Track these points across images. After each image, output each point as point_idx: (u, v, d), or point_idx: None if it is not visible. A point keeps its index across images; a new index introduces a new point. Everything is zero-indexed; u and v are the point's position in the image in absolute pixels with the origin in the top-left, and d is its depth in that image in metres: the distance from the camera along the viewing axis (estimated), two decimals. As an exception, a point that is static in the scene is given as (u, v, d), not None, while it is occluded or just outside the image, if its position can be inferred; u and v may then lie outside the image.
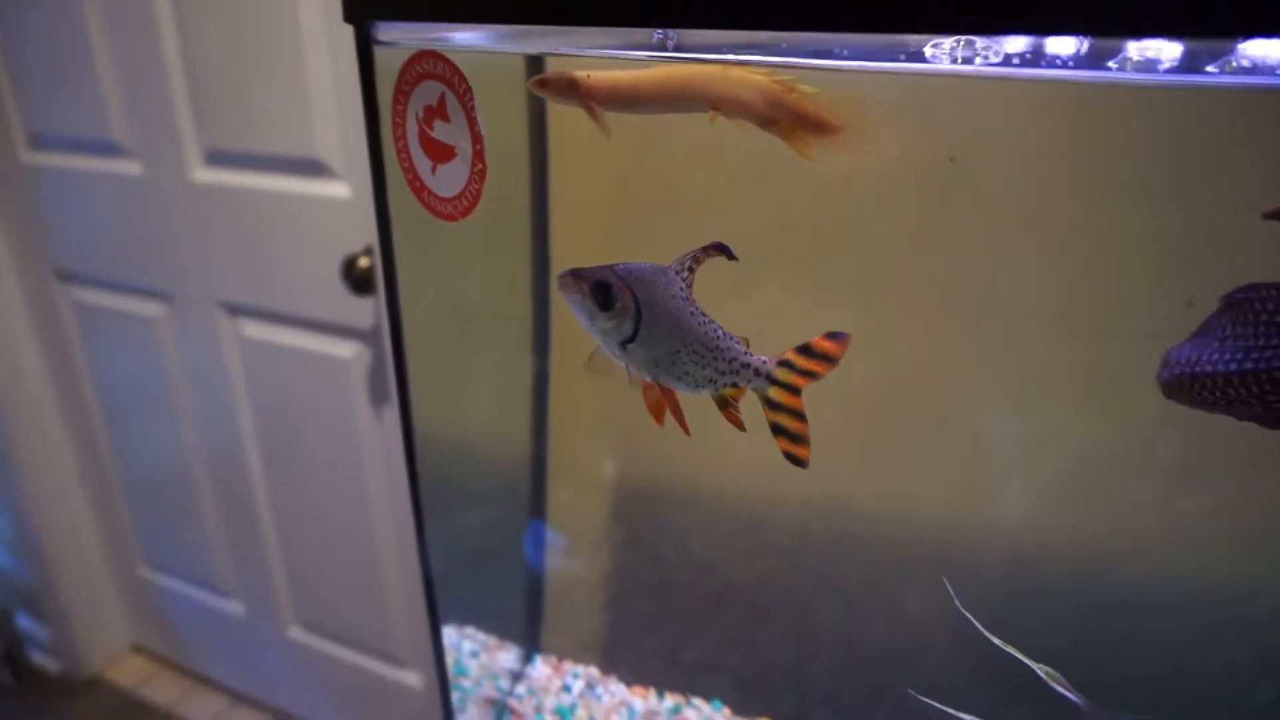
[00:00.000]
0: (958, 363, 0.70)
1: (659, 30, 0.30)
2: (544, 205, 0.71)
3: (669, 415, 0.39)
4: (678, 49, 0.33)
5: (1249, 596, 0.70)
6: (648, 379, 0.39)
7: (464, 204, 0.38)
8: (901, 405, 0.73)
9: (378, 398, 1.20)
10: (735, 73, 0.31)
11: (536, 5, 0.31)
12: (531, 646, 0.84)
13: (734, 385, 0.37)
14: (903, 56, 0.29)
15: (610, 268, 0.36)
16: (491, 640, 0.80)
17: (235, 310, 1.29)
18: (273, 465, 1.38)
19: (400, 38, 0.39)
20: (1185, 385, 0.35)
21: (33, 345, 1.53)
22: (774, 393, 0.37)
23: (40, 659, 1.73)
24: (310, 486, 1.34)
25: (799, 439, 0.37)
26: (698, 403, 0.82)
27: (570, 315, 0.84)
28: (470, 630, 0.79)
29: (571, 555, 0.86)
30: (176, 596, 1.64)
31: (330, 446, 1.28)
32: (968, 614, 0.49)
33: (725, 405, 0.38)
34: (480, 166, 0.37)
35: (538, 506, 0.84)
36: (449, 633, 0.74)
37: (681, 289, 0.36)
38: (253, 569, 1.49)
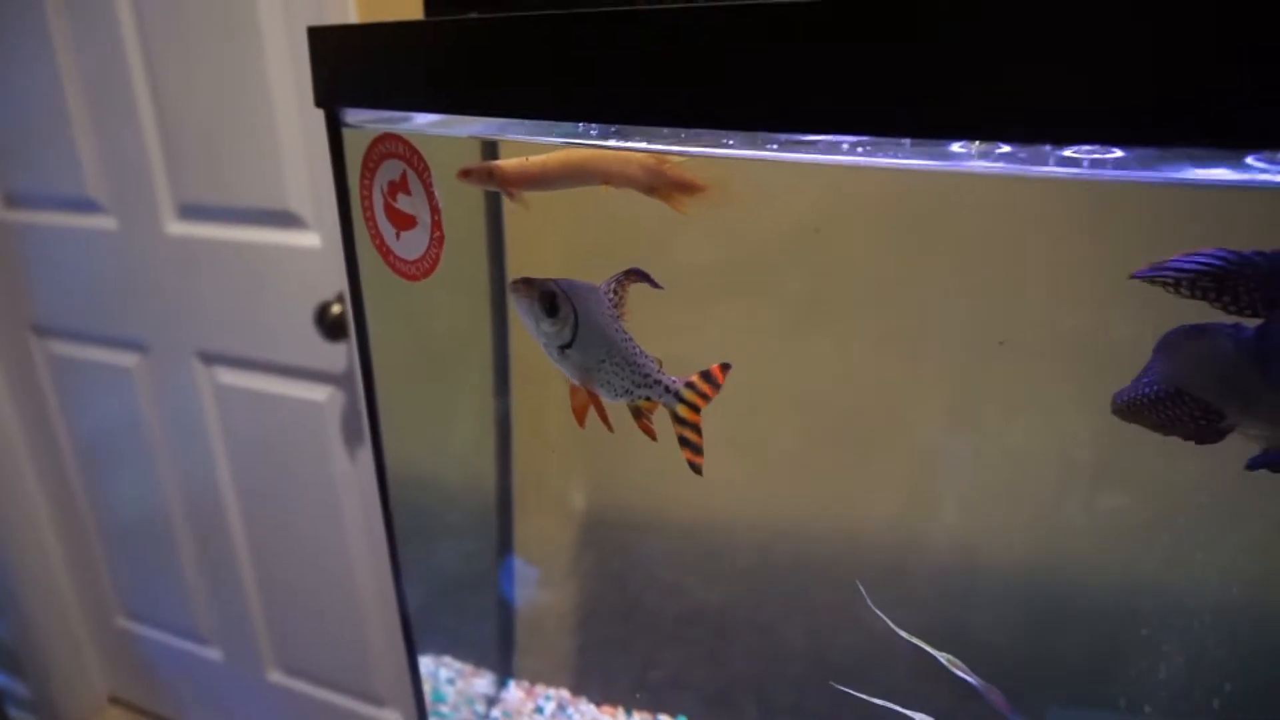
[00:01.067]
0: (900, 384, 0.76)
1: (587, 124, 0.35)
2: (500, 250, 0.76)
3: (592, 417, 0.45)
4: (617, 134, 0.38)
5: (1177, 595, 0.75)
6: (577, 383, 0.44)
7: (425, 266, 0.43)
8: (852, 427, 0.78)
9: (352, 439, 1.24)
10: (620, 153, 0.38)
11: (479, 99, 0.37)
12: (505, 672, 0.88)
13: (647, 398, 0.43)
14: (774, 145, 0.35)
15: (555, 280, 0.42)
16: (467, 667, 0.83)
17: (210, 358, 1.32)
18: (250, 510, 1.40)
19: (366, 120, 0.44)
20: (1124, 411, 0.41)
21: (7, 400, 1.55)
22: (680, 409, 0.43)
23: (19, 716, 1.72)
24: (288, 529, 1.36)
25: (698, 449, 0.44)
26: (660, 442, 0.86)
27: (532, 351, 0.88)
28: (447, 659, 0.82)
29: (542, 583, 0.89)
30: (154, 645, 1.65)
31: (307, 489, 1.30)
32: (880, 612, 0.54)
33: (639, 415, 0.44)
34: (438, 234, 0.41)
35: (507, 537, 0.88)
36: (426, 662, 0.77)
37: (609, 307, 0.42)
38: (231, 615, 1.50)
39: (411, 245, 0.43)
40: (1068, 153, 0.35)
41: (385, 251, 0.44)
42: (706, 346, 0.78)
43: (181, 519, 1.48)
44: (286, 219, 1.15)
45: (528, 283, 0.41)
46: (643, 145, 0.36)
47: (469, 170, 0.41)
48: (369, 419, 0.59)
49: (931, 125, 0.30)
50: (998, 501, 0.78)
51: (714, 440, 0.86)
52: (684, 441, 0.44)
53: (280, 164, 1.11)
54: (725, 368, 0.44)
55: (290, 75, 1.07)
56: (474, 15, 0.50)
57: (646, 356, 0.44)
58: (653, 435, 0.44)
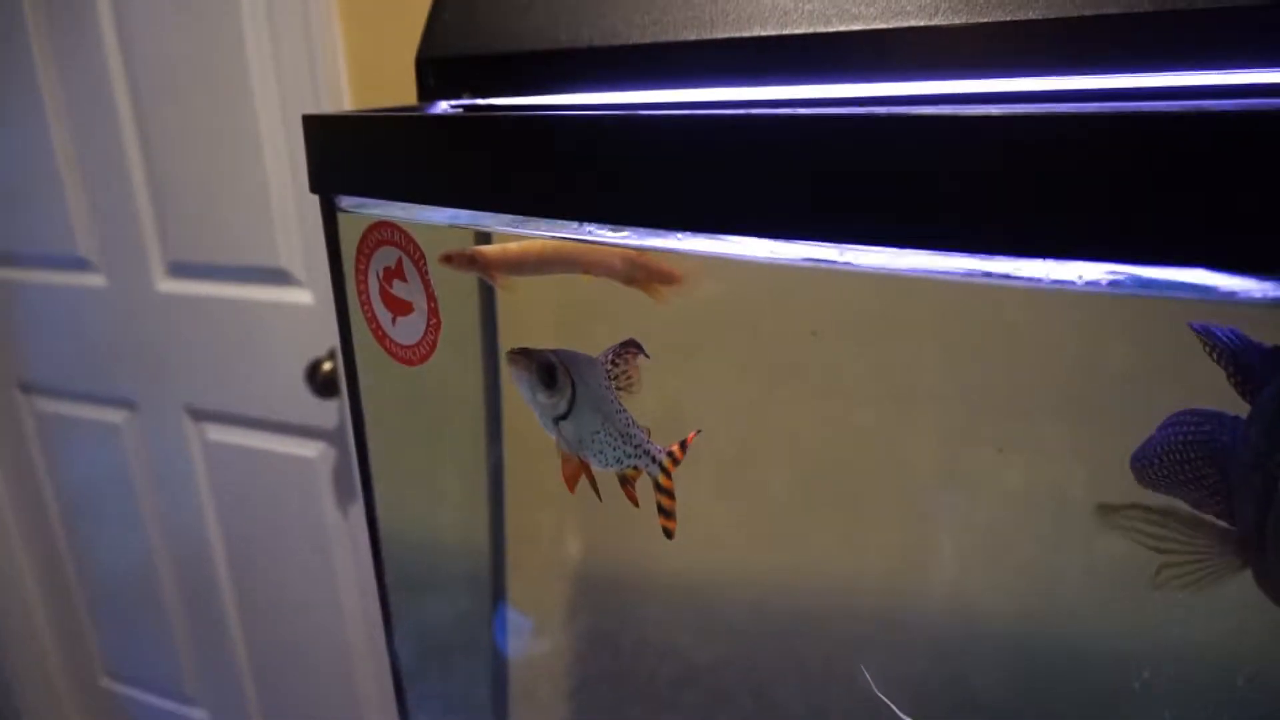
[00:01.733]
0: (892, 439, 0.76)
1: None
2: (492, 312, 0.77)
3: (583, 484, 0.46)
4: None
5: (1175, 648, 0.75)
6: (569, 452, 0.44)
7: (421, 351, 0.43)
8: (844, 482, 0.78)
9: (344, 496, 1.23)
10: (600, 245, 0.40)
11: (469, 193, 0.37)
12: (501, 739, 0.87)
13: (634, 467, 0.43)
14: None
15: (554, 351, 0.42)
16: (461, 736, 0.82)
17: (200, 415, 1.32)
18: (239, 567, 1.38)
19: (361, 206, 0.45)
20: (1136, 473, 0.40)
21: (-7, 457, 1.54)
22: (661, 478, 0.44)
23: (-4, 779, 1.68)
24: (278, 587, 1.35)
25: (672, 515, 0.45)
26: (652, 499, 0.86)
27: (525, 414, 0.88)
28: (440, 727, 0.81)
29: (534, 646, 0.89)
30: (139, 707, 1.62)
31: (298, 546, 1.29)
32: (884, 698, 0.54)
33: (625, 483, 0.45)
34: (435, 321, 0.42)
35: (499, 598, 0.87)
36: (419, 730, 0.76)
37: (606, 379, 0.43)
38: (218, 675, 1.48)
39: (408, 331, 0.43)
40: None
41: (381, 336, 0.44)
42: (696, 404, 0.78)
43: (169, 577, 1.46)
44: (278, 276, 1.15)
45: (525, 354, 0.42)
46: (622, 240, 0.37)
47: (450, 256, 0.42)
48: (362, 482, 0.58)
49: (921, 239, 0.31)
50: (993, 555, 0.78)
51: (705, 498, 0.85)
52: (662, 509, 0.45)
53: (271, 221, 1.12)
54: (696, 433, 0.45)
55: (282, 133, 1.08)
56: (467, 100, 0.51)
57: (637, 427, 0.44)
58: (635, 503, 0.45)
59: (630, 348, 0.43)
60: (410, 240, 0.41)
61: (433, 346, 0.42)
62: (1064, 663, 0.78)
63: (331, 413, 1.18)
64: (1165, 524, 0.35)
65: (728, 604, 0.83)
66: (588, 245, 0.40)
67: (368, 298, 0.44)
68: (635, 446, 0.44)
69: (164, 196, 1.20)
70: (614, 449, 0.44)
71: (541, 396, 0.42)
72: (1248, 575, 0.38)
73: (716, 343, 0.73)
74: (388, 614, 0.71)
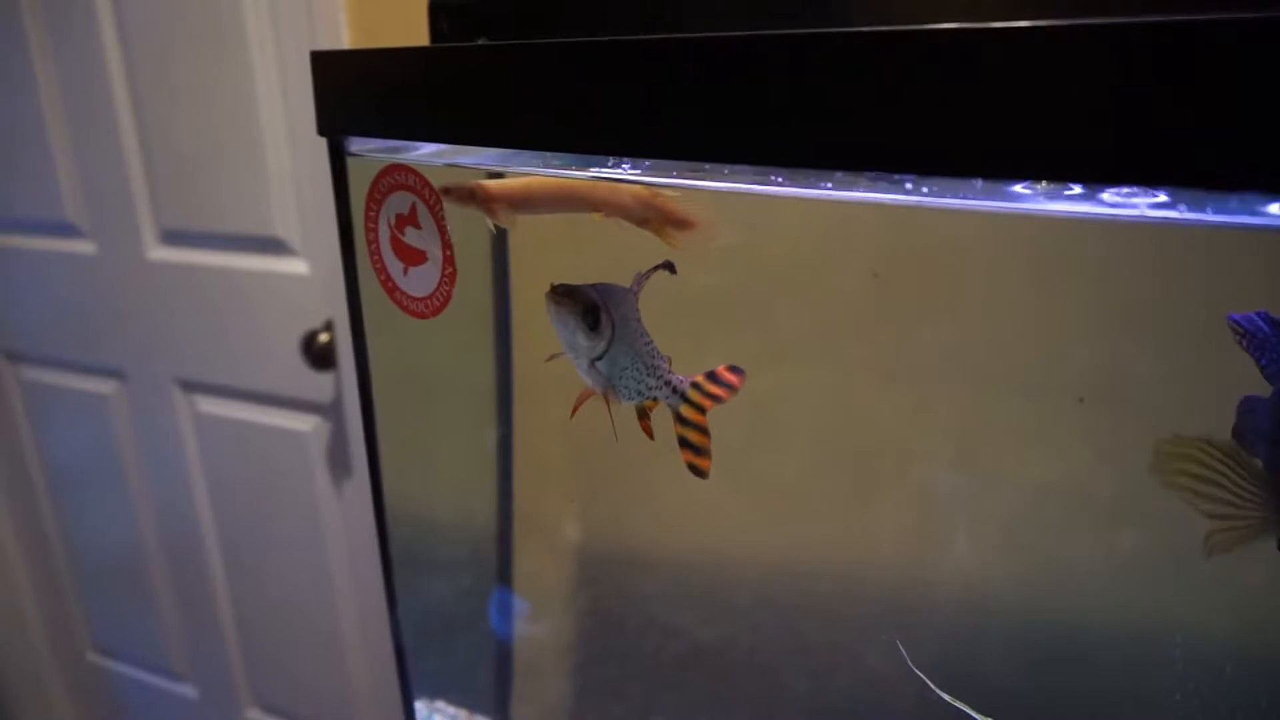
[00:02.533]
0: (904, 419, 0.74)
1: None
2: (505, 276, 0.74)
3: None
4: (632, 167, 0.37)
5: (1188, 634, 0.74)
6: (599, 391, 0.43)
7: (435, 303, 0.41)
8: (854, 462, 0.77)
9: (338, 470, 1.20)
10: (612, 182, 0.38)
11: (489, 129, 0.35)
12: (501, 717, 0.85)
13: (654, 399, 0.41)
14: (779, 179, 0.34)
15: (596, 288, 0.40)
16: (462, 713, 0.80)
17: (191, 386, 1.29)
18: (229, 542, 1.36)
19: (371, 150, 0.42)
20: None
21: (-23, 427, 1.50)
22: (684, 409, 0.42)
23: (-21, 755, 1.66)
24: (268, 562, 1.32)
25: (702, 451, 0.42)
26: (657, 479, 0.84)
27: (533, 383, 0.86)
28: (440, 704, 0.79)
29: (538, 624, 0.87)
30: (127, 682, 1.59)
31: (289, 521, 1.27)
32: (920, 673, 0.52)
33: (643, 415, 0.43)
34: (450, 270, 0.39)
35: (504, 576, 0.85)
36: (419, 708, 0.74)
37: (636, 310, 0.41)
38: (208, 650, 1.46)
39: (421, 281, 0.41)
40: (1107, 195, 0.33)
41: (391, 288, 0.42)
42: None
43: (157, 551, 1.44)
44: (273, 245, 1.12)
45: (571, 293, 0.39)
46: (638, 177, 0.34)
47: (449, 188, 0.40)
48: (369, 456, 0.56)
49: (950, 163, 0.29)
50: (1004, 538, 0.76)
51: (712, 477, 0.84)
52: (684, 442, 0.42)
53: (267, 188, 1.09)
54: (736, 370, 0.42)
55: (279, 98, 1.05)
56: (483, 42, 0.49)
57: (661, 357, 0.43)
58: (650, 434, 0.43)
59: (660, 269, 0.42)
60: (426, 184, 0.38)
61: (447, 298, 0.40)
62: (1074, 648, 0.77)
63: (326, 386, 1.16)
64: (1226, 464, 0.33)
65: (733, 584, 0.81)
66: (599, 183, 0.38)
67: (377, 247, 0.42)
68: (659, 378, 0.42)
69: (156, 162, 1.17)
70: (638, 383, 0.42)
71: (582, 339, 0.40)
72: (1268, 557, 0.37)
73: (732, 317, 0.71)
74: (391, 591, 0.69)
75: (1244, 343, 0.35)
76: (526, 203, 0.40)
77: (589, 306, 0.39)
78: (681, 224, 0.40)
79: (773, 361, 0.74)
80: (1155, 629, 0.73)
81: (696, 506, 0.82)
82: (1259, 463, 0.35)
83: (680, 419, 0.42)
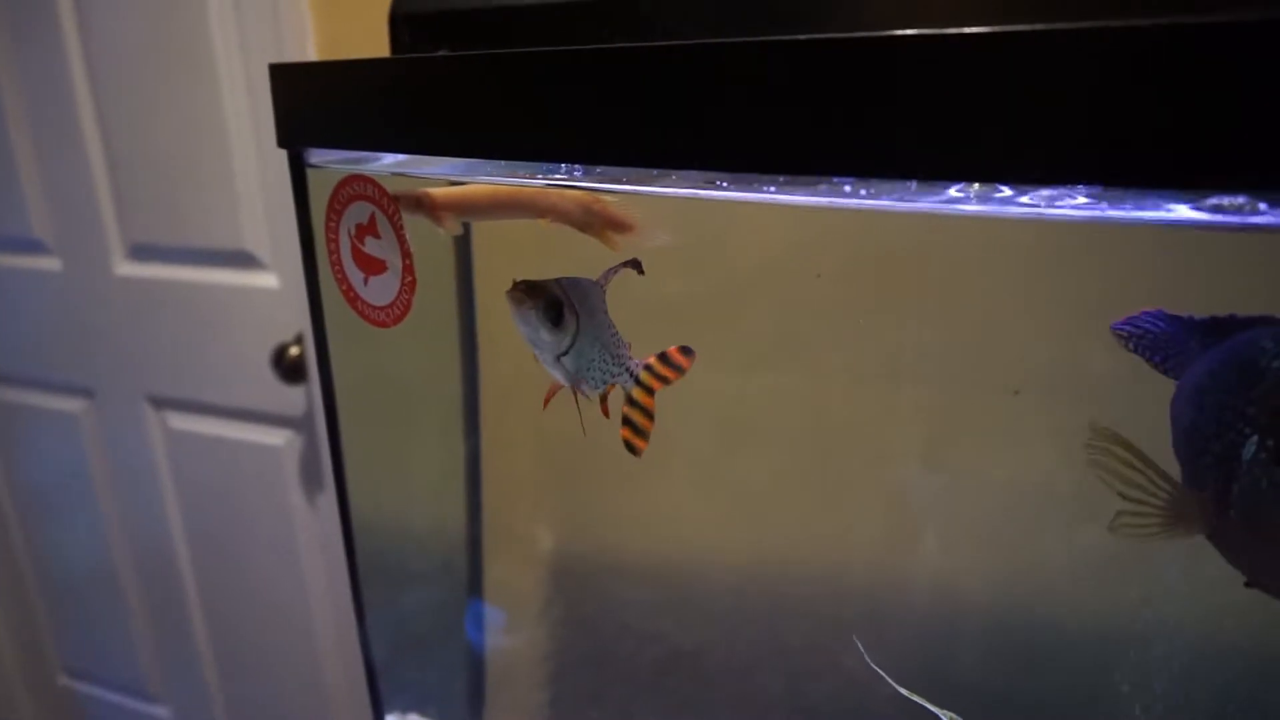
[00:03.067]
0: (877, 421, 0.75)
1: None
2: (469, 286, 0.74)
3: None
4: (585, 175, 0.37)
5: (1160, 629, 0.75)
6: (566, 384, 0.43)
7: (396, 312, 0.41)
8: (825, 463, 0.77)
9: (311, 485, 1.20)
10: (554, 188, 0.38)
11: (447, 139, 0.35)
12: (476, 729, 0.84)
13: (612, 383, 0.43)
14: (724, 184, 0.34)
15: (558, 283, 0.40)
16: (435, 725, 0.79)
17: (161, 403, 1.28)
18: (203, 559, 1.34)
19: (330, 161, 0.43)
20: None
21: (-57, 448, 1.48)
22: (635, 392, 0.43)
23: (-53, 783, 1.62)
24: (242, 579, 1.31)
25: (642, 432, 0.43)
26: (631, 483, 0.84)
27: (502, 392, 0.86)
28: (414, 717, 0.79)
29: (512, 633, 0.86)
30: (99, 704, 1.57)
31: (263, 536, 1.26)
32: (878, 669, 0.53)
33: (602, 399, 0.44)
34: (410, 279, 0.40)
35: (475, 586, 0.85)
36: (392, 719, 0.74)
37: (604, 302, 0.41)
38: (182, 670, 1.44)
39: (381, 291, 0.41)
40: (1045, 193, 0.34)
41: (353, 298, 0.42)
42: (678, 386, 0.76)
43: (129, 570, 1.42)
44: (243, 259, 1.12)
45: (531, 289, 0.39)
46: (581, 184, 0.35)
47: (397, 196, 0.40)
48: (334, 468, 0.56)
49: (909, 167, 0.30)
50: (977, 539, 0.77)
51: (687, 482, 0.84)
52: (628, 421, 0.43)
53: (236, 202, 1.09)
54: (686, 352, 0.43)
55: (247, 110, 1.05)
56: (444, 54, 0.49)
57: (623, 343, 0.43)
58: (606, 414, 0.44)
59: (629, 266, 0.42)
60: (384, 193, 0.39)
61: (407, 307, 0.40)
62: (1047, 645, 0.78)
63: (298, 399, 1.15)
64: (1140, 466, 0.34)
65: (710, 588, 0.81)
66: (541, 189, 0.39)
67: (339, 258, 0.42)
68: (620, 364, 0.43)
69: (123, 176, 1.16)
70: (603, 372, 0.43)
71: (545, 335, 0.40)
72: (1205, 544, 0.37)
73: (700, 323, 0.72)
74: (360, 605, 0.69)
75: (1132, 346, 0.36)
76: (470, 209, 0.41)
77: (550, 301, 0.39)
78: (621, 227, 0.42)
79: (743, 365, 0.75)
80: (1126, 624, 0.74)
81: (672, 511, 0.83)
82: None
83: (630, 400, 0.43)
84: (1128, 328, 0.36)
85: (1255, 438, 0.29)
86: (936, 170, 0.26)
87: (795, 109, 0.29)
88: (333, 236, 0.42)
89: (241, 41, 1.02)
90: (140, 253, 1.20)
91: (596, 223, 0.41)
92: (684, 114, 0.32)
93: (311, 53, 0.99)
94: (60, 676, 1.60)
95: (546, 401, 0.44)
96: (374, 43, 0.87)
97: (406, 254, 0.39)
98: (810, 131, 0.29)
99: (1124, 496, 0.34)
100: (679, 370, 0.43)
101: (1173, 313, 0.35)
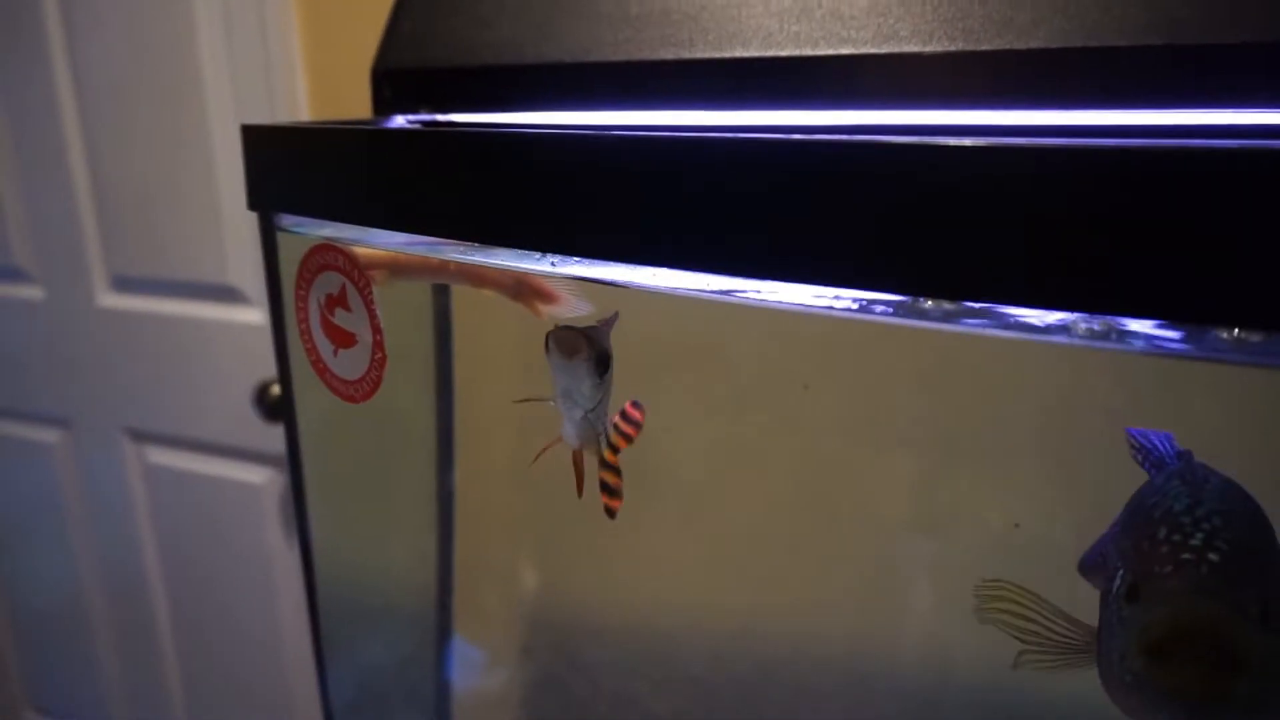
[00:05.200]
0: (864, 479, 0.73)
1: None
2: (447, 328, 0.73)
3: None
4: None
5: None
6: (577, 445, 0.41)
7: (365, 388, 0.39)
8: (811, 523, 0.75)
9: (290, 525, 1.17)
10: None
11: (418, 217, 0.34)
12: (447, 792, 0.82)
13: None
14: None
15: (594, 331, 0.38)
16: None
17: (140, 436, 1.25)
18: (177, 595, 1.31)
19: (304, 226, 0.41)
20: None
21: (-85, 475, 1.45)
22: (607, 454, 0.41)
23: (-95, 821, 1.57)
24: (218, 618, 1.28)
25: (617, 493, 0.42)
26: (609, 541, 0.82)
27: (478, 441, 0.83)
28: (381, 781, 0.76)
29: (481, 689, 0.84)
30: (65, 741, 1.53)
31: (240, 575, 1.23)
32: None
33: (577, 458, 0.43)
34: (380, 355, 0.38)
35: (445, 639, 0.82)
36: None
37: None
38: (153, 708, 1.40)
39: (350, 364, 0.39)
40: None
41: (322, 370, 0.40)
42: (656, 444, 0.74)
43: (101, 605, 1.38)
44: (227, 293, 1.10)
45: (585, 339, 0.36)
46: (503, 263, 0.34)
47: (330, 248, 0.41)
48: (297, 518, 0.54)
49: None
50: (962, 603, 0.75)
51: (666, 541, 0.82)
52: (604, 486, 0.42)
53: (222, 236, 1.07)
54: (637, 406, 0.41)
55: (235, 145, 1.03)
56: (419, 121, 0.48)
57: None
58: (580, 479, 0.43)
59: (613, 321, 0.40)
60: (355, 265, 0.37)
61: (377, 383, 0.38)
62: (1035, 714, 0.75)
63: (280, 437, 1.13)
64: (1035, 607, 0.34)
65: (687, 651, 0.79)
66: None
67: (308, 326, 0.40)
68: (602, 424, 0.41)
69: (109, 207, 1.14)
70: (598, 431, 0.41)
71: (588, 389, 0.37)
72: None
73: (676, 381, 0.70)
74: (320, 656, 0.66)
75: (1141, 460, 0.35)
76: (403, 272, 0.41)
77: (602, 355, 0.37)
78: (547, 298, 0.43)
79: (725, 423, 0.73)
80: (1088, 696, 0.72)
81: (649, 570, 0.80)
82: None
83: (603, 463, 0.41)
84: (1142, 441, 0.35)
85: (1121, 572, 0.29)
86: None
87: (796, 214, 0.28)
88: (302, 305, 0.40)
89: (232, 74, 1.01)
90: (123, 284, 1.18)
91: (526, 292, 0.43)
92: (674, 210, 0.30)
93: (302, 90, 0.98)
94: (26, 711, 1.56)
95: (538, 456, 0.43)
96: (365, 86, 0.86)
97: (377, 330, 0.38)
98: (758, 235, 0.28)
99: (1021, 640, 0.34)
100: (638, 426, 0.42)
101: (1179, 447, 0.34)
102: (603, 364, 0.37)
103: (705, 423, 0.72)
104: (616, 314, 0.40)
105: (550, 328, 0.37)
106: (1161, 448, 0.34)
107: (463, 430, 0.79)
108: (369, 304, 0.37)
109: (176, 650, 1.34)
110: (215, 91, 1.02)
